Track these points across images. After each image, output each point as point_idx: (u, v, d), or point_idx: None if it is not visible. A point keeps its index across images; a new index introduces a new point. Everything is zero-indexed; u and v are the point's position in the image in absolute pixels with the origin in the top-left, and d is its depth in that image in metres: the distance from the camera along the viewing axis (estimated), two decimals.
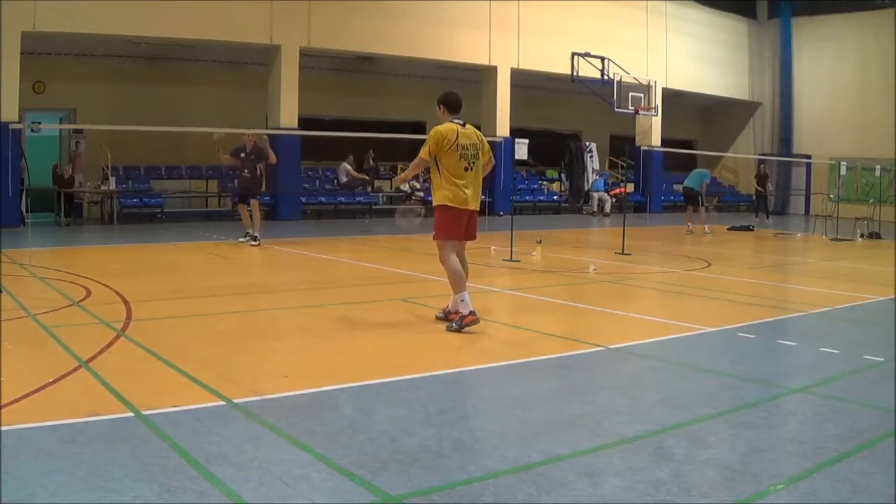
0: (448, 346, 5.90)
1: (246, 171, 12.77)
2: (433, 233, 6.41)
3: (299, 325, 6.83)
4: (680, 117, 27.11)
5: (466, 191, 6.29)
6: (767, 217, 22.83)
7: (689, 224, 17.43)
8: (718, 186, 29.11)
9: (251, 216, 12.77)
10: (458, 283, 6.21)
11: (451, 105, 6.48)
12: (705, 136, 29.88)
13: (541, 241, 12.16)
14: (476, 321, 6.11)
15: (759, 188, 23.03)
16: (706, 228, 17.31)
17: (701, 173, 17.88)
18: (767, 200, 23.51)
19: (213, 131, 13.55)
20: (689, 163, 28.89)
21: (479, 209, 6.52)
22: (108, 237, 14.82)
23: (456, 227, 6.35)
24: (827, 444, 3.78)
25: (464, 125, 6.40)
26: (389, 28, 19.40)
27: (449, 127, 6.36)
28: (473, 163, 6.34)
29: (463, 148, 6.29)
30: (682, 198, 25.45)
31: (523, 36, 21.61)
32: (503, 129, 21.48)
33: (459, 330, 6.09)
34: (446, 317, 6.44)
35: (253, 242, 12.52)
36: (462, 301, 6.15)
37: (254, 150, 12.85)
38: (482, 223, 8.69)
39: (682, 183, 25.98)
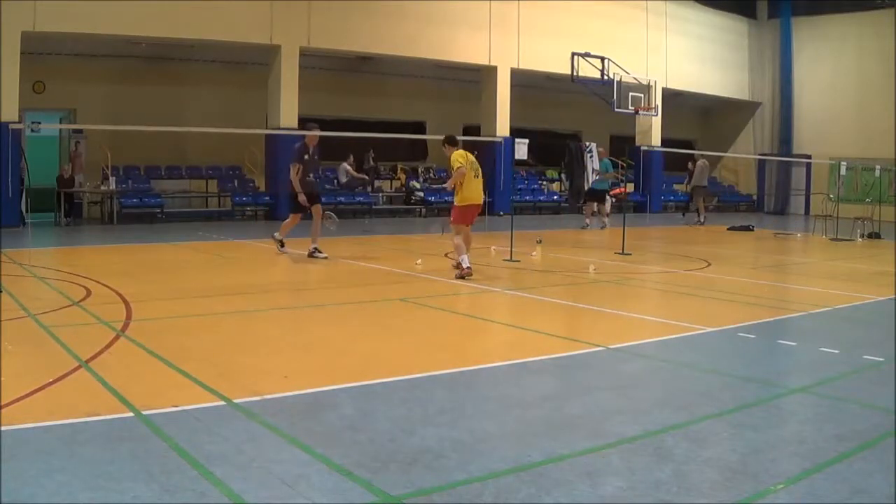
0: (448, 345, 5.90)
1: (311, 174, 11.27)
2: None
3: (299, 325, 6.83)
4: (680, 117, 27.09)
5: None
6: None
7: (588, 220, 18.24)
8: (718, 186, 29.11)
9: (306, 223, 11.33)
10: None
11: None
12: (705, 136, 29.86)
13: (540, 241, 12.16)
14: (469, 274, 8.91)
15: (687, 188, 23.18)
16: (605, 220, 18.18)
17: (609, 166, 18.86)
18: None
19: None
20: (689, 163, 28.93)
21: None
22: (108, 237, 14.81)
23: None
24: (827, 444, 3.78)
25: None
26: (389, 28, 19.39)
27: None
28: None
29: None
30: (681, 197, 25.46)
31: (523, 36, 21.60)
32: (503, 129, 21.45)
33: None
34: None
35: (320, 255, 11.12)
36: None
37: (315, 149, 11.29)
38: (482, 223, 8.82)
39: (682, 183, 25.95)
